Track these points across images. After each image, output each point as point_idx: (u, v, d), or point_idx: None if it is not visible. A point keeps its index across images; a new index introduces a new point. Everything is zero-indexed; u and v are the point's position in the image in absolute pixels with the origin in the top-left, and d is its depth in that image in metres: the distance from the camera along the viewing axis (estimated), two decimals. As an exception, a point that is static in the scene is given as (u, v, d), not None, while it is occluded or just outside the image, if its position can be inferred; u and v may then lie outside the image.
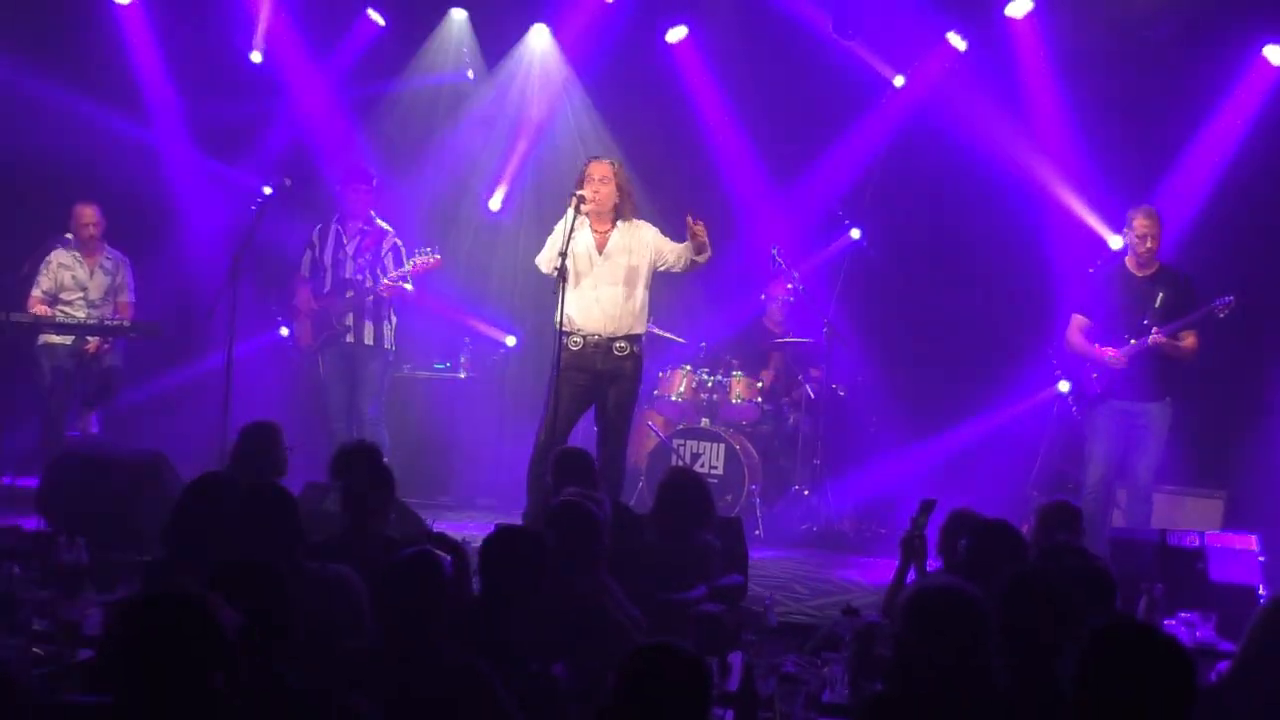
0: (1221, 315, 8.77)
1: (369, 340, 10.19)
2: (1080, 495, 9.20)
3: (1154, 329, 8.79)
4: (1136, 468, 9.00)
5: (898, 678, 4.21)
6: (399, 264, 10.12)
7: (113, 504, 7.70)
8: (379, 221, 10.32)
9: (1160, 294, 8.92)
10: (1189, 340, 8.87)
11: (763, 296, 11.73)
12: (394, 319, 10.32)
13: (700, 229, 8.37)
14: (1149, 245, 8.92)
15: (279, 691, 3.86)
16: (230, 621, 3.47)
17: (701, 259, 8.53)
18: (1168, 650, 3.45)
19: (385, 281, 10.01)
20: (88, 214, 10.42)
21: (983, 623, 4.10)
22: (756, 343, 11.61)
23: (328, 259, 10.25)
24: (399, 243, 10.23)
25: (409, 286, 10.11)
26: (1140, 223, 8.94)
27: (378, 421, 10.22)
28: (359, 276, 10.14)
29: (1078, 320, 9.26)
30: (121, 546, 7.05)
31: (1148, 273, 9.01)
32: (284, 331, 11.45)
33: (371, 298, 10.11)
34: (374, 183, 10.39)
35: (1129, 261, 9.07)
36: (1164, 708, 3.39)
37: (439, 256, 10.07)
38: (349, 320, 10.16)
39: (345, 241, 10.23)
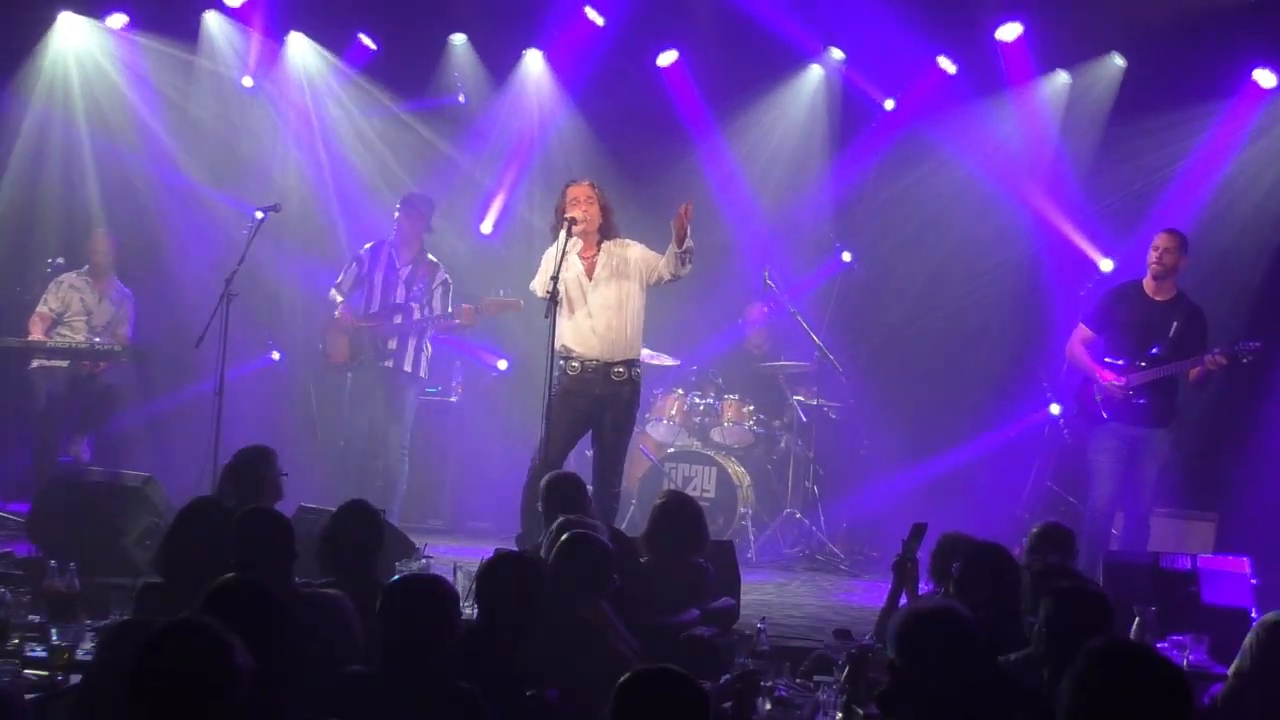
0: (1245, 360, 8.68)
1: (408, 367, 10.14)
2: (1080, 516, 9.21)
3: (1214, 351, 8.68)
4: (1137, 491, 8.96)
5: (891, 701, 4.20)
6: (446, 298, 10.14)
7: (104, 529, 7.70)
8: (430, 255, 10.31)
9: (1175, 323, 8.84)
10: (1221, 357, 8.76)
11: (742, 320, 11.75)
12: (429, 348, 10.29)
13: (685, 211, 8.30)
14: (1162, 259, 8.81)
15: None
16: (245, 663, 3.46)
17: (683, 250, 8.40)
18: (1164, 672, 3.45)
19: (457, 322, 10.01)
20: (99, 241, 10.63)
21: (974, 644, 4.09)
22: (742, 366, 11.61)
23: (378, 279, 10.20)
24: (449, 279, 10.26)
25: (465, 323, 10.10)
26: (1158, 237, 8.88)
27: (405, 451, 10.24)
28: (412, 305, 10.11)
29: (1081, 331, 9.18)
30: (113, 571, 7.05)
31: (1165, 298, 8.92)
32: (275, 356, 11.45)
33: (430, 330, 10.13)
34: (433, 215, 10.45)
35: (1146, 284, 8.96)
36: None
37: (521, 301, 9.88)
38: (392, 344, 10.09)
39: (399, 266, 10.21)
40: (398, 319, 10.10)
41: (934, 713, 4.01)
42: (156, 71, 12.07)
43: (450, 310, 10.12)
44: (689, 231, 8.36)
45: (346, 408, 10.33)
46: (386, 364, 10.11)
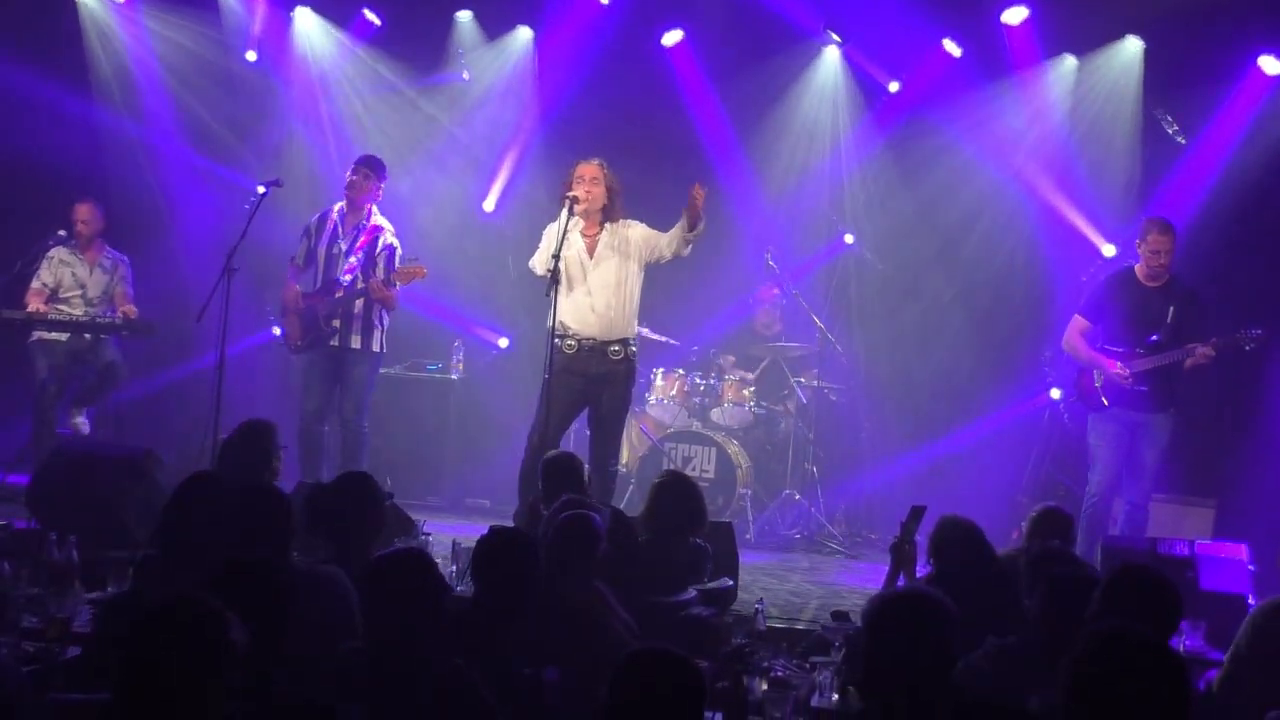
0: (1248, 348, 8.72)
1: (356, 344, 9.70)
2: (1079, 500, 9.21)
3: (1207, 343, 8.64)
4: (1136, 477, 8.95)
5: (866, 684, 4.18)
6: (390, 265, 9.67)
7: (103, 502, 7.68)
8: (377, 217, 9.85)
9: (1172, 308, 8.81)
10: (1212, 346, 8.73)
11: (751, 300, 11.73)
12: (385, 323, 9.83)
13: (700, 195, 8.25)
14: (1161, 261, 8.81)
15: (271, 703, 3.87)
16: (239, 638, 3.47)
17: (694, 235, 8.42)
18: (1161, 657, 3.45)
19: (376, 281, 9.52)
20: (82, 212, 10.45)
21: (943, 630, 4.08)
22: (746, 347, 11.62)
23: (322, 253, 9.79)
24: (395, 244, 9.78)
25: (393, 296, 9.64)
26: (1155, 238, 8.80)
27: (365, 433, 9.84)
28: (347, 277, 9.69)
29: (1078, 322, 9.17)
30: (112, 544, 7.05)
31: (1158, 284, 8.90)
32: (276, 331, 11.43)
33: (361, 300, 9.64)
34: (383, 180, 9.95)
35: (1139, 271, 8.94)
36: (1158, 714, 3.39)
37: (424, 267, 9.58)
38: (336, 323, 9.68)
39: (341, 236, 9.78)
40: (338, 294, 9.68)
41: (911, 695, 4.00)
42: (161, 45, 12.06)
43: (381, 279, 9.62)
44: (701, 215, 8.36)
45: (302, 390, 9.94)
46: (333, 343, 9.72)
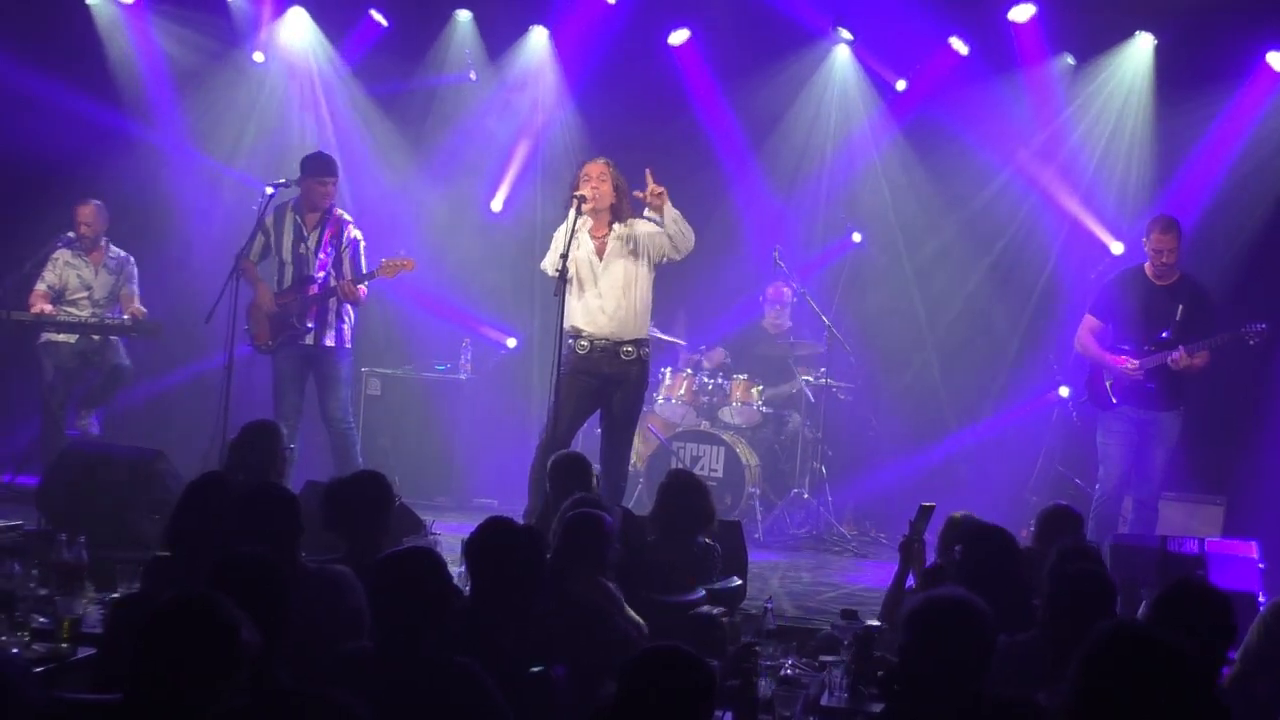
0: (1251, 343, 8.71)
1: (330, 341, 9.71)
2: (1088, 499, 9.20)
3: (1179, 349, 8.62)
4: (1145, 475, 8.94)
5: (902, 687, 4.18)
6: (356, 259, 9.71)
7: (112, 503, 7.72)
8: (338, 211, 9.86)
9: (1180, 306, 8.79)
10: (1202, 357, 8.72)
11: (761, 299, 11.72)
12: (353, 316, 9.87)
13: (652, 185, 8.24)
14: (1165, 260, 8.80)
15: (274, 691, 3.86)
16: (251, 639, 3.47)
17: (669, 226, 8.35)
18: (1174, 654, 3.44)
19: (346, 281, 9.57)
20: (84, 213, 10.41)
21: (988, 635, 4.07)
22: (754, 345, 11.60)
23: (286, 252, 9.73)
24: (358, 236, 9.79)
25: (364, 289, 9.69)
26: (1157, 237, 8.79)
27: (352, 430, 9.89)
28: (319, 274, 9.68)
29: (1089, 322, 9.16)
30: (121, 545, 7.06)
31: (1167, 282, 8.87)
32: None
33: (334, 300, 9.65)
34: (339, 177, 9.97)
35: (1148, 269, 8.92)
36: (1169, 711, 3.39)
37: (412, 259, 9.60)
38: (309, 322, 9.66)
39: (306, 234, 9.74)
40: (312, 291, 9.66)
41: (945, 701, 4.00)
42: (169, 45, 12.06)
43: (365, 271, 9.65)
44: (666, 204, 8.34)
45: (277, 391, 9.79)
46: (306, 342, 9.69)
